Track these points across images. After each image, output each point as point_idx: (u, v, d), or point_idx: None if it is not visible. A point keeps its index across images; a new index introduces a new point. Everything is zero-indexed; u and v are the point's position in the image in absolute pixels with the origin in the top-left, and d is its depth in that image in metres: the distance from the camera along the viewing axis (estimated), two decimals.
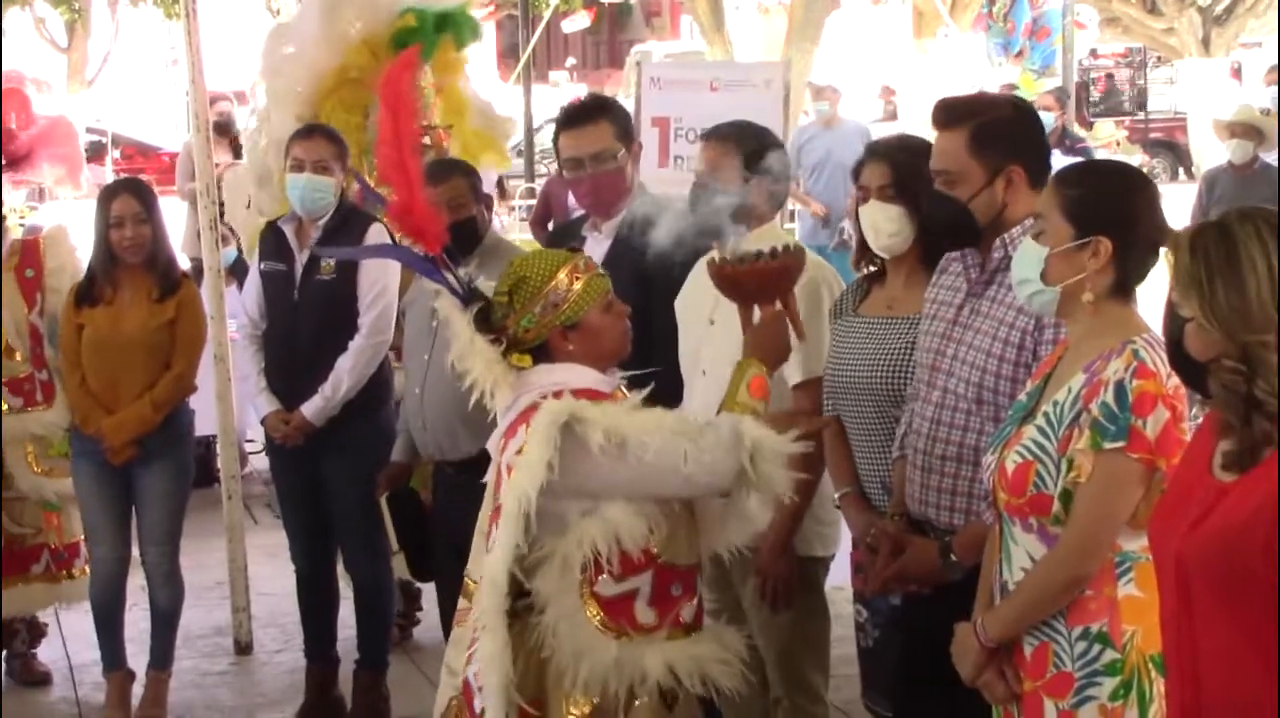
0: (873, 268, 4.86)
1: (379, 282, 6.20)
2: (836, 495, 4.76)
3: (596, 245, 5.41)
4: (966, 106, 4.27)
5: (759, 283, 4.22)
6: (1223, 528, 2.99)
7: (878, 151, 4.81)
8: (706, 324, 4.97)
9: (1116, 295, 3.66)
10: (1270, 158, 11.11)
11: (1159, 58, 30.83)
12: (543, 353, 4.03)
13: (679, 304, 5.10)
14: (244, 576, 7.25)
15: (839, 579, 5.27)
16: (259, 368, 6.36)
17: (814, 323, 4.76)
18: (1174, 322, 3.09)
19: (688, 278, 5.11)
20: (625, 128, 5.50)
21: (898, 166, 4.68)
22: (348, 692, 6.44)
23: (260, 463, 10.50)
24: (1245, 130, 10.83)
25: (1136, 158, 20.55)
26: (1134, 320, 3.67)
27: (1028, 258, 3.69)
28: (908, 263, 4.71)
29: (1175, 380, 3.48)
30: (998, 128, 4.15)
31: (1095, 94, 30.51)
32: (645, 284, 5.19)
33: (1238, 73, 28.81)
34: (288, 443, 6.26)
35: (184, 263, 7.79)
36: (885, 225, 4.69)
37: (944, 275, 4.37)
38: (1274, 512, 2.90)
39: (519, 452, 3.88)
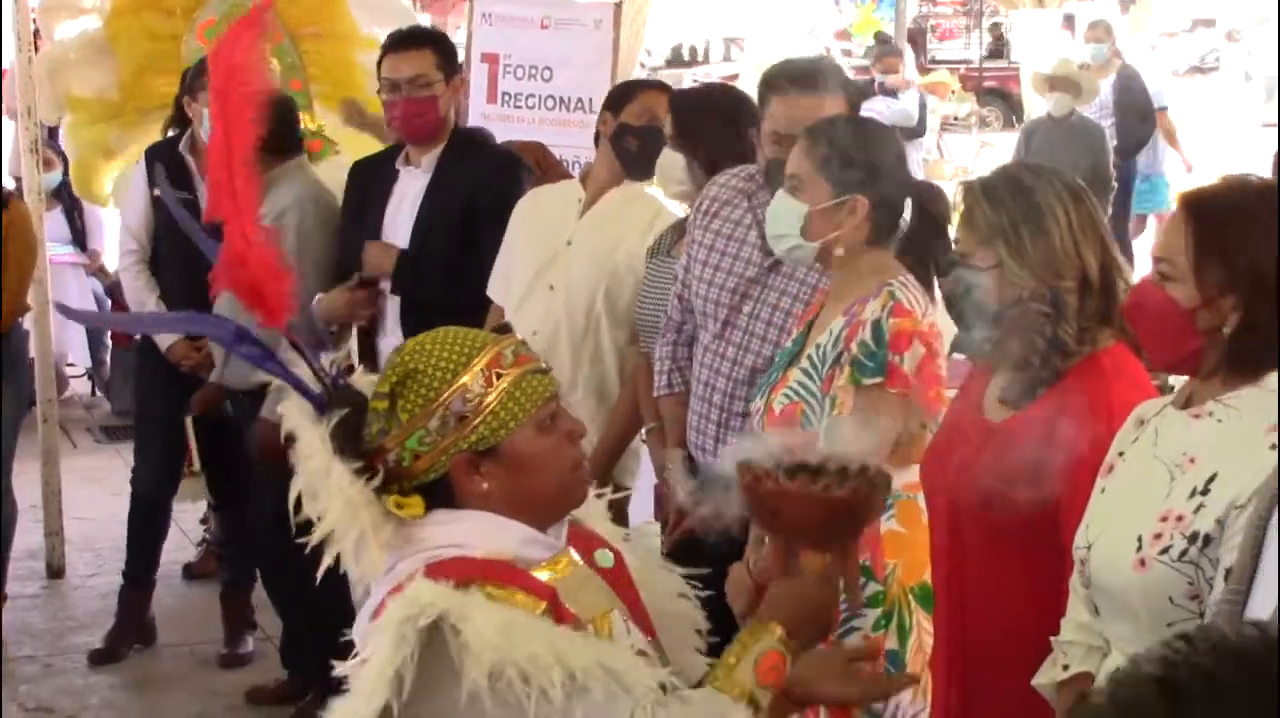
0: None
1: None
2: (644, 430, 4.80)
3: (413, 180, 5.42)
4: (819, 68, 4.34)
5: (813, 515, 2.70)
6: (991, 466, 3.14)
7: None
8: (564, 244, 4.98)
9: (872, 243, 3.75)
10: (1088, 112, 11.40)
11: (994, 9, 31.21)
12: (440, 493, 2.51)
13: (527, 219, 5.09)
14: (58, 499, 7.20)
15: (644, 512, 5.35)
16: (156, 295, 6.24)
17: None
18: (959, 272, 3.24)
19: (544, 199, 5.15)
20: (448, 60, 5.50)
21: (678, 113, 4.75)
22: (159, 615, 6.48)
23: (81, 387, 10.45)
24: (1064, 84, 11.09)
25: (966, 106, 20.89)
26: (890, 264, 3.77)
27: (786, 213, 3.75)
28: None
29: (931, 319, 3.64)
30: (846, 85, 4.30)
31: (934, 41, 30.82)
32: (470, 216, 5.26)
33: (1070, 24, 29.27)
34: (198, 371, 6.13)
35: (8, 183, 7.66)
36: (672, 173, 4.80)
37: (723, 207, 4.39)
38: (1040, 450, 3.06)
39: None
